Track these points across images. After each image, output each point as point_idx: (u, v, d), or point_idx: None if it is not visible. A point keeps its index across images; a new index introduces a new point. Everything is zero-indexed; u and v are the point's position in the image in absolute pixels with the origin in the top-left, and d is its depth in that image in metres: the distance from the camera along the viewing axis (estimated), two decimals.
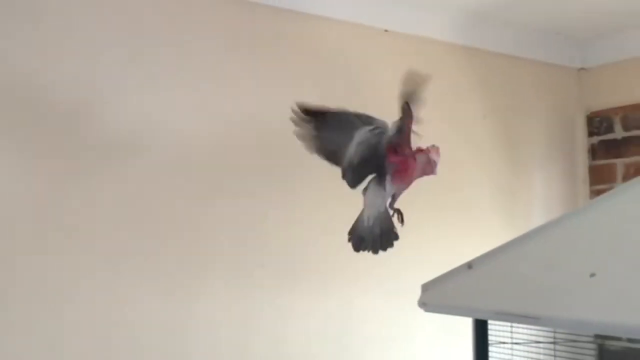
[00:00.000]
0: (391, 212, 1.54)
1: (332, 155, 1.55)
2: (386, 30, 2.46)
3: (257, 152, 2.15)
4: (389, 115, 2.41)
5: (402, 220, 1.55)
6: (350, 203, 2.23)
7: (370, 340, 2.28)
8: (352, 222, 1.53)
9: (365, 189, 1.55)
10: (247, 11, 2.18)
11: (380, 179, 1.53)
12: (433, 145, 1.55)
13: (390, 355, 2.32)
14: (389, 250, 1.53)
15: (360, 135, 1.54)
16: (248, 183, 2.13)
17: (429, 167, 1.54)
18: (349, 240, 1.53)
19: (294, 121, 1.54)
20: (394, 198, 1.55)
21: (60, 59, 1.88)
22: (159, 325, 1.94)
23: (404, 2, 2.43)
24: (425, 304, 1.52)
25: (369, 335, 2.28)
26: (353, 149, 1.53)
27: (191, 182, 2.04)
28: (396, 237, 1.49)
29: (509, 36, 2.72)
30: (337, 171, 2.26)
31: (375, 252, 1.49)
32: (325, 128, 1.54)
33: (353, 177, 1.54)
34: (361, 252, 1.51)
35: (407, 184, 1.55)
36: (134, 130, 1.97)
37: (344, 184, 2.25)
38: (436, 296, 1.51)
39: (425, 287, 1.54)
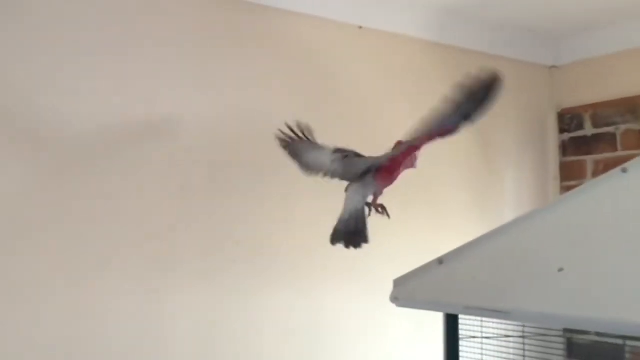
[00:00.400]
0: (369, 211, 1.54)
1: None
2: (360, 27, 2.47)
3: (227, 148, 2.15)
4: (362, 112, 2.44)
5: (388, 215, 1.55)
6: (324, 198, 2.25)
7: (343, 335, 2.29)
8: (325, 217, 1.53)
9: (349, 184, 1.57)
10: (221, 7, 2.17)
11: (363, 176, 1.54)
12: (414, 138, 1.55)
13: (362, 350, 2.33)
14: (363, 245, 1.53)
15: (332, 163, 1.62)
16: (218, 179, 2.12)
17: (410, 161, 1.56)
18: (330, 240, 1.53)
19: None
20: (376, 195, 1.56)
21: (33, 56, 1.86)
22: (127, 320, 1.93)
23: None
24: (397, 299, 1.54)
25: (341, 330, 2.29)
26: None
27: (160, 179, 2.03)
28: (366, 240, 1.48)
29: (482, 34, 2.74)
30: None
31: (347, 247, 1.50)
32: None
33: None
34: (336, 245, 1.50)
35: (392, 181, 1.55)
36: (103, 128, 1.96)
37: (316, 180, 2.27)
38: (408, 291, 1.53)
39: (397, 283, 1.56)
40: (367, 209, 1.54)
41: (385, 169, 1.52)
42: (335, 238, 1.50)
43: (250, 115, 2.20)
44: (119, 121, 1.98)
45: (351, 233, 1.49)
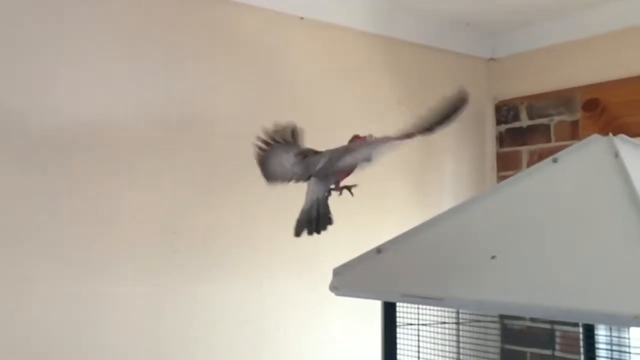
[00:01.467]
0: (338, 193, 1.57)
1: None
2: (302, 18, 2.47)
3: (169, 140, 2.13)
4: (304, 103, 2.45)
5: (351, 193, 1.58)
6: (272, 189, 2.26)
7: (284, 324, 2.31)
8: (273, 206, 1.55)
9: (310, 177, 1.58)
10: None
11: (323, 169, 1.56)
12: (370, 135, 1.57)
13: (303, 339, 2.35)
14: (303, 237, 1.54)
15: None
16: (161, 168, 2.11)
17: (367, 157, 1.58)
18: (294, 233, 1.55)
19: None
20: (337, 183, 1.58)
21: None
22: (65, 312, 1.90)
23: None
24: (337, 288, 1.56)
25: (283, 319, 2.31)
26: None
27: (100, 166, 2.00)
28: (330, 222, 1.51)
29: (423, 26, 2.78)
30: (251, 158, 2.29)
31: (311, 233, 1.52)
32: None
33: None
34: (301, 235, 1.52)
35: (349, 173, 1.58)
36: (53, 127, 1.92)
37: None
38: (347, 280, 1.55)
39: (337, 272, 1.58)
40: (328, 197, 1.56)
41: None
42: (299, 228, 1.52)
43: (191, 107, 2.19)
44: (70, 119, 1.94)
45: (313, 219, 1.51)
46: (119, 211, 2.02)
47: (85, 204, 1.97)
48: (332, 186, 1.57)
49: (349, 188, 1.58)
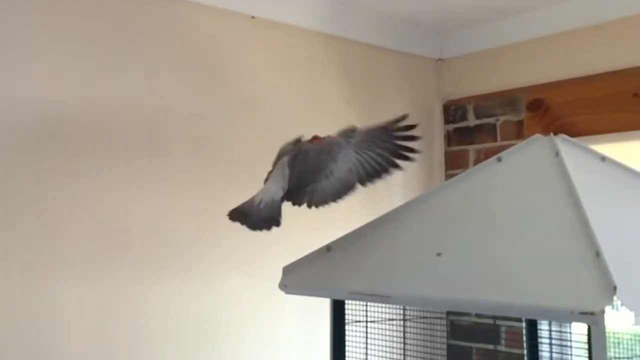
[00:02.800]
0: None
1: None
2: (253, 17, 2.48)
3: (117, 138, 2.11)
4: (254, 102, 2.45)
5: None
6: (220, 187, 2.25)
7: (234, 323, 2.31)
8: (224, 206, 1.53)
9: (267, 178, 1.57)
10: None
11: (281, 167, 1.55)
12: (329, 135, 1.58)
13: (253, 337, 2.36)
14: (255, 234, 1.54)
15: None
16: (109, 166, 2.08)
17: None
18: (228, 213, 1.51)
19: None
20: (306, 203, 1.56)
21: None
22: (13, 314, 1.87)
23: None
24: (286, 286, 1.57)
25: (233, 318, 2.31)
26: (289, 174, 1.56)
27: (46, 167, 1.97)
28: (278, 224, 1.50)
29: (372, 26, 2.81)
30: (202, 155, 2.28)
31: (253, 229, 1.51)
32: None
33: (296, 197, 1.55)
34: (237, 223, 1.50)
35: None
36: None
37: (209, 168, 2.27)
38: (296, 278, 1.56)
39: (286, 270, 1.59)
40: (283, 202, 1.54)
41: None
42: (240, 219, 1.49)
43: (139, 106, 2.17)
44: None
45: (262, 218, 1.49)
46: (66, 212, 1.99)
47: (32, 205, 1.94)
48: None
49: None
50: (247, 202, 1.52)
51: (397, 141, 1.53)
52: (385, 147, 1.53)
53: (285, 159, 1.55)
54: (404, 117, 1.53)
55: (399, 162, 1.54)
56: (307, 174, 1.54)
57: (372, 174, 1.55)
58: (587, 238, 1.12)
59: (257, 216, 1.50)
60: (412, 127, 1.54)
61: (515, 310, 1.18)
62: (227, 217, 1.50)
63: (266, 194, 1.52)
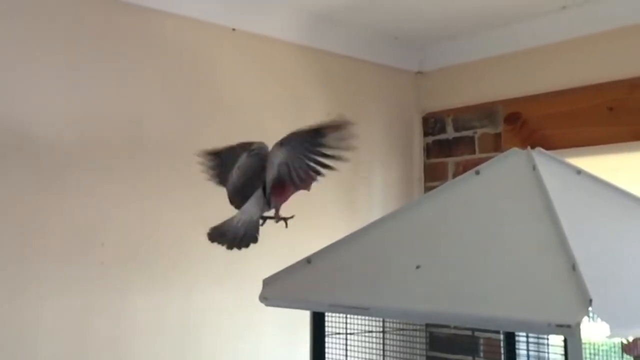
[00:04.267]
0: (274, 221, 1.59)
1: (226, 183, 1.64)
2: (234, 29, 2.49)
3: (97, 150, 2.11)
4: (234, 114, 2.46)
5: (286, 225, 1.61)
6: (197, 199, 2.25)
7: (214, 334, 2.30)
8: (202, 217, 1.55)
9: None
10: (94, 6, 2.13)
11: (263, 192, 1.57)
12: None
13: (233, 349, 2.35)
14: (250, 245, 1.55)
15: (240, 160, 1.63)
16: (87, 179, 2.08)
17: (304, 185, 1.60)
18: (208, 233, 1.53)
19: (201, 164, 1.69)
20: (277, 209, 1.60)
21: None
22: None
23: (251, 2, 2.47)
24: (266, 298, 1.57)
25: (213, 330, 2.30)
26: (234, 174, 1.61)
27: (28, 178, 1.96)
28: (255, 241, 1.52)
29: (352, 39, 2.83)
30: (182, 166, 2.28)
31: (230, 248, 1.52)
32: (220, 165, 1.68)
33: (239, 200, 1.58)
34: (215, 243, 1.52)
35: (285, 198, 1.59)
36: None
37: (190, 179, 2.27)
38: (277, 290, 1.56)
39: (267, 282, 1.59)
40: (261, 220, 1.57)
41: (278, 186, 1.56)
42: (218, 239, 1.51)
43: (120, 118, 2.17)
44: None
45: (239, 238, 1.51)
46: (46, 223, 1.98)
47: (11, 216, 1.93)
48: (269, 213, 1.58)
49: (285, 220, 1.60)
50: (225, 221, 1.54)
51: (324, 145, 1.54)
52: (314, 151, 1.54)
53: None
54: (336, 122, 1.55)
55: (330, 163, 1.55)
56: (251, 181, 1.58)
57: (303, 178, 1.54)
58: (564, 251, 1.14)
59: (234, 235, 1.51)
60: (341, 126, 1.55)
61: (493, 323, 1.19)
62: (207, 238, 1.52)
63: (244, 215, 1.54)
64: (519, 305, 1.11)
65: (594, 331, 1.01)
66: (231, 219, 1.53)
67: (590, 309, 0.99)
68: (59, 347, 1.98)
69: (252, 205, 1.56)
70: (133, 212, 2.16)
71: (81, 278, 2.04)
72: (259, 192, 1.57)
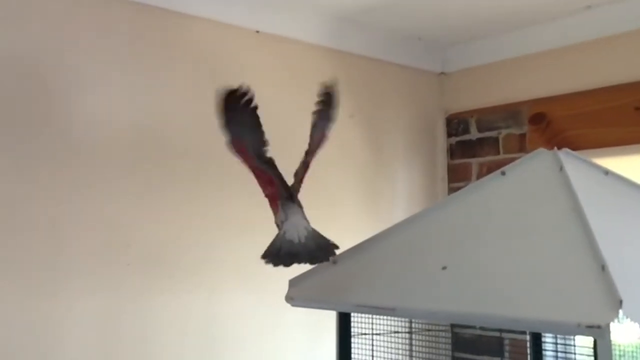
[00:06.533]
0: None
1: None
2: (257, 32, 2.50)
3: (124, 152, 2.13)
4: (260, 114, 2.46)
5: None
6: (223, 203, 2.26)
7: (241, 335, 2.31)
8: (226, 219, 1.54)
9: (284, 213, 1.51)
10: (120, 9, 2.15)
11: (289, 200, 1.51)
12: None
13: (259, 350, 2.36)
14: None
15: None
16: (116, 182, 2.10)
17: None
18: (268, 261, 1.43)
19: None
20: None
21: None
22: (20, 328, 1.88)
23: (275, 4, 2.48)
24: (292, 299, 1.58)
25: (239, 330, 2.31)
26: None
27: (55, 181, 1.98)
28: (336, 247, 1.46)
29: (375, 41, 2.83)
30: (205, 169, 2.29)
31: (313, 263, 1.47)
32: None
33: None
34: (295, 265, 1.43)
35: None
36: None
37: (213, 182, 2.28)
38: (302, 291, 1.57)
39: (292, 283, 1.60)
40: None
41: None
42: (295, 260, 1.42)
43: (146, 120, 2.19)
44: None
45: (313, 251, 1.44)
46: (73, 225, 2.00)
47: (39, 219, 1.95)
48: None
49: None
50: (276, 244, 1.45)
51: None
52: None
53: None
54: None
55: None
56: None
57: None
58: (593, 252, 1.13)
59: (305, 250, 1.44)
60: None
61: (522, 324, 1.19)
62: (268, 263, 1.42)
63: (296, 231, 1.46)
64: (548, 306, 1.11)
65: (623, 332, 1.01)
66: (286, 239, 1.44)
67: (621, 310, 0.99)
68: (85, 348, 2.00)
69: (297, 214, 1.49)
70: (160, 214, 2.18)
71: (107, 279, 2.05)
72: (287, 204, 1.50)
